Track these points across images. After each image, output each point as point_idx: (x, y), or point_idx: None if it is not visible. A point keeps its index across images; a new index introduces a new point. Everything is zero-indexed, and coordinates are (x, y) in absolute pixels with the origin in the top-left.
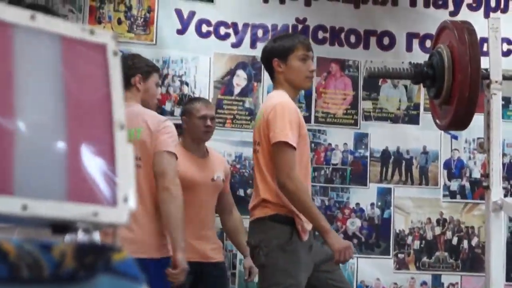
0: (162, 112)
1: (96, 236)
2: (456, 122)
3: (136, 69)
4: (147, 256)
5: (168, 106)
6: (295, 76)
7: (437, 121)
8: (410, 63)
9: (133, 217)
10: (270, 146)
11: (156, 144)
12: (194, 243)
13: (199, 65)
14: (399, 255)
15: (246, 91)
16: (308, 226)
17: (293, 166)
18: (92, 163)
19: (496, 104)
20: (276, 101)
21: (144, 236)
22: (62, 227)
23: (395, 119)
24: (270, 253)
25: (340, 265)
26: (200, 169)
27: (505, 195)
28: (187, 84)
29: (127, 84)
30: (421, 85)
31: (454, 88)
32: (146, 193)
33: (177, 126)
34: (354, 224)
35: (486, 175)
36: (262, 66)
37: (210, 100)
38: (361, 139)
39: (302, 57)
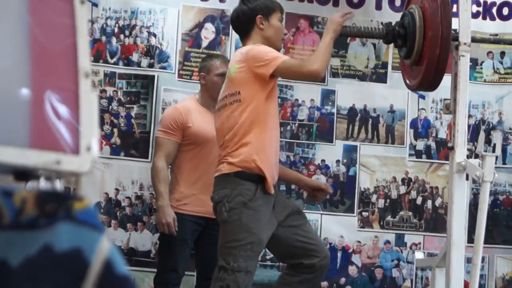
0: (129, 62)
1: (58, 184)
2: (426, 81)
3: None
4: None
5: (135, 57)
6: (274, 34)
7: (407, 81)
8: (377, 22)
9: None
10: (262, 82)
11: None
12: (203, 197)
13: (167, 17)
14: (363, 213)
15: (214, 44)
16: (273, 180)
17: (299, 63)
18: (56, 111)
19: (464, 65)
20: (247, 46)
21: None
22: (24, 174)
23: (362, 77)
24: (233, 209)
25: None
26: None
27: (469, 156)
28: (154, 35)
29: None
30: (390, 44)
31: (425, 47)
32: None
33: (145, 76)
34: (319, 181)
35: (451, 136)
36: None
37: (177, 52)
38: (328, 96)
39: (280, 19)
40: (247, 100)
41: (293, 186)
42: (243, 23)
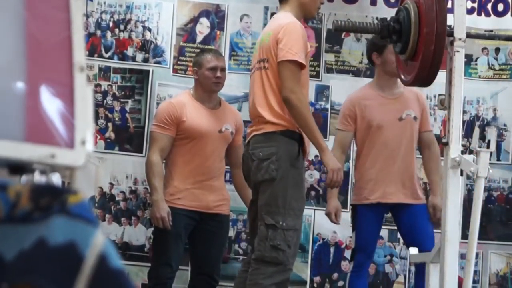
0: (123, 57)
1: (54, 178)
2: (421, 77)
3: None
4: None
5: (130, 51)
6: (311, 1)
7: (402, 76)
8: (372, 17)
9: None
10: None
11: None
12: (196, 192)
13: (162, 12)
14: None
15: (209, 39)
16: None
17: (298, 81)
18: (51, 105)
19: (459, 61)
20: (286, 21)
21: None
22: (18, 167)
23: (357, 73)
24: (281, 167)
25: None
26: (208, 120)
27: (464, 152)
28: (149, 30)
29: None
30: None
31: (420, 42)
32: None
33: (139, 71)
34: (312, 176)
35: (446, 132)
36: (226, 15)
37: (172, 47)
38: (322, 91)
39: None
40: (273, 68)
41: None
42: None
